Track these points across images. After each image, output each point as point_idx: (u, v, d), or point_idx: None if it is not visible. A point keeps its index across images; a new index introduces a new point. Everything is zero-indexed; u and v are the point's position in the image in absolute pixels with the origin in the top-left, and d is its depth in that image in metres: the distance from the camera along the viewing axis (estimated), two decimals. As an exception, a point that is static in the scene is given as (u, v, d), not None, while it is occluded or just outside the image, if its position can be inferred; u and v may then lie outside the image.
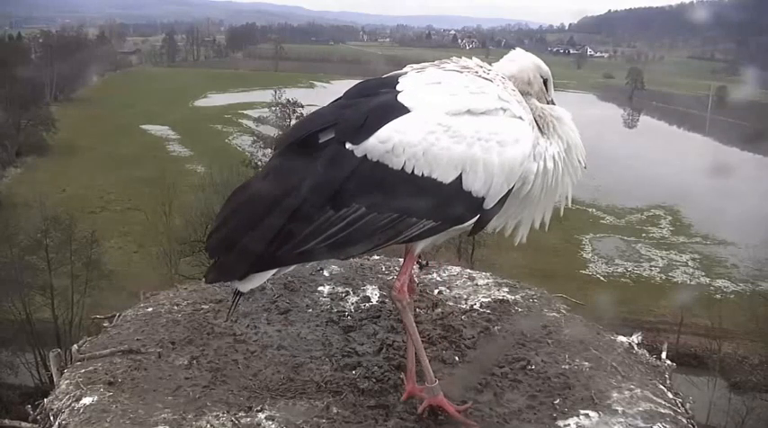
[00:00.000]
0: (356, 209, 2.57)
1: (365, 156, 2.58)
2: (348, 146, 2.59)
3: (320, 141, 2.63)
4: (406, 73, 2.87)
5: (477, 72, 2.88)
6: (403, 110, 2.64)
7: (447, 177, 2.59)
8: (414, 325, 2.96)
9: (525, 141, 2.70)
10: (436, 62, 3.00)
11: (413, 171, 2.57)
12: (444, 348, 3.60)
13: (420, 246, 2.85)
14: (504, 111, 2.72)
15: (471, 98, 2.71)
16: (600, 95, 78.36)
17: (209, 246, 2.79)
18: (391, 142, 2.58)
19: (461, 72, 2.87)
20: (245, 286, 2.76)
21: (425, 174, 2.58)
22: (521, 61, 3.04)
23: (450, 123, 2.62)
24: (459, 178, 2.60)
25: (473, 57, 3.04)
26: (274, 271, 2.74)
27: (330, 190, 2.57)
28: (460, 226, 2.74)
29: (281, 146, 2.87)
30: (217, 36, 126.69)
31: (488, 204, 2.68)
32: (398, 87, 2.73)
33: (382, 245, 2.70)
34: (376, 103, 2.69)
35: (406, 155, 2.57)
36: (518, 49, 3.13)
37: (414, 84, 2.75)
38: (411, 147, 2.57)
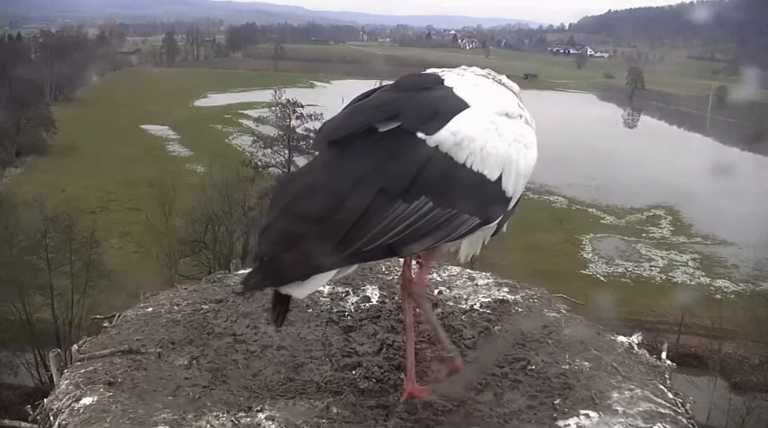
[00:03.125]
0: (425, 203, 2.47)
1: (437, 146, 2.52)
2: (420, 135, 2.51)
3: (380, 130, 2.52)
4: (440, 73, 2.87)
5: (500, 81, 2.95)
6: (464, 104, 2.63)
7: (493, 175, 2.61)
8: (432, 311, 3.01)
9: (536, 147, 2.79)
10: (457, 69, 2.99)
11: (471, 166, 2.56)
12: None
13: (461, 247, 2.83)
14: (521, 117, 2.79)
15: (505, 102, 2.78)
16: (600, 95, 78.43)
17: (262, 245, 2.47)
18: (460, 135, 2.55)
19: (487, 77, 2.92)
20: (302, 291, 2.47)
21: (479, 170, 2.58)
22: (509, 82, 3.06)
23: (498, 123, 2.66)
24: (500, 177, 2.63)
25: (485, 68, 3.04)
26: (334, 272, 2.50)
27: (405, 181, 2.45)
28: (490, 225, 2.74)
29: (332, 136, 2.59)
30: (217, 36, 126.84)
31: (510, 204, 2.74)
32: (447, 84, 2.73)
33: (437, 243, 2.63)
34: (440, 95, 2.66)
35: (469, 149, 2.56)
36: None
37: (459, 83, 2.75)
38: (473, 142, 2.56)
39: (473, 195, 2.58)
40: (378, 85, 2.97)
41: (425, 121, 2.52)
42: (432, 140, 2.50)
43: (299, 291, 2.46)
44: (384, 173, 2.43)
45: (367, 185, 2.41)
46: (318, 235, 2.36)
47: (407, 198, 2.44)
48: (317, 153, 2.71)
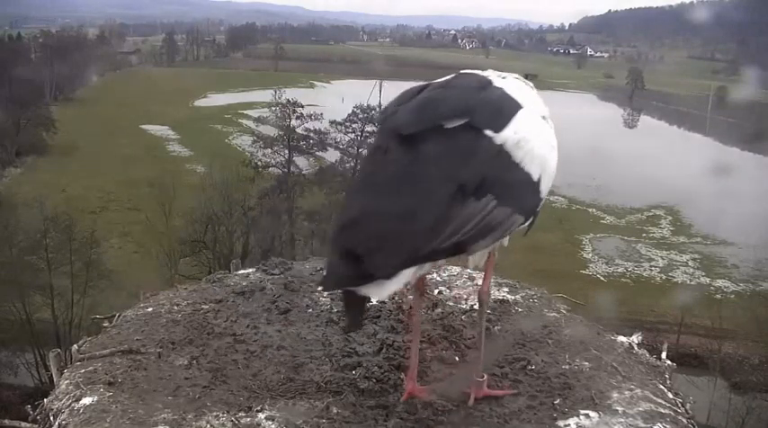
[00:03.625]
0: (490, 200, 2.49)
1: (503, 144, 2.56)
2: (488, 133, 2.54)
3: (446, 127, 2.51)
4: (483, 74, 2.90)
5: (531, 85, 2.99)
6: (519, 106, 2.68)
7: (536, 175, 2.66)
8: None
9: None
10: (489, 71, 3.01)
11: (524, 165, 2.60)
12: (444, 348, 3.60)
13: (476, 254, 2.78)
14: (548, 119, 2.86)
15: (542, 105, 2.84)
16: (600, 95, 78.45)
17: (346, 243, 2.36)
18: (519, 135, 2.59)
19: (520, 80, 2.96)
20: (382, 291, 2.39)
21: (528, 171, 2.62)
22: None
23: (541, 125, 2.73)
24: (540, 178, 2.68)
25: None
26: (413, 271, 2.46)
27: (478, 178, 2.47)
28: (524, 226, 2.78)
29: (404, 129, 2.51)
30: (217, 36, 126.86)
31: (540, 205, 2.78)
32: (496, 85, 2.76)
33: (493, 242, 2.65)
34: (499, 95, 2.69)
35: (524, 149, 2.60)
36: None
37: (507, 85, 2.78)
38: (527, 143, 2.61)
39: (523, 195, 2.63)
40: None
41: (492, 120, 2.56)
42: (498, 139, 2.55)
43: (379, 291, 2.39)
44: (461, 170, 2.46)
45: (447, 183, 2.42)
46: (405, 232, 2.34)
47: (478, 195, 2.46)
48: (382, 145, 2.60)
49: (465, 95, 2.64)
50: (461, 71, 2.95)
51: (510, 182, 2.56)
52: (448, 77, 2.87)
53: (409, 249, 2.34)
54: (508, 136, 2.56)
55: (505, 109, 2.62)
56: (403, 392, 3.12)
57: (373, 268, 2.30)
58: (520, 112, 2.64)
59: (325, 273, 2.52)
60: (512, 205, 2.56)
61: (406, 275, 2.41)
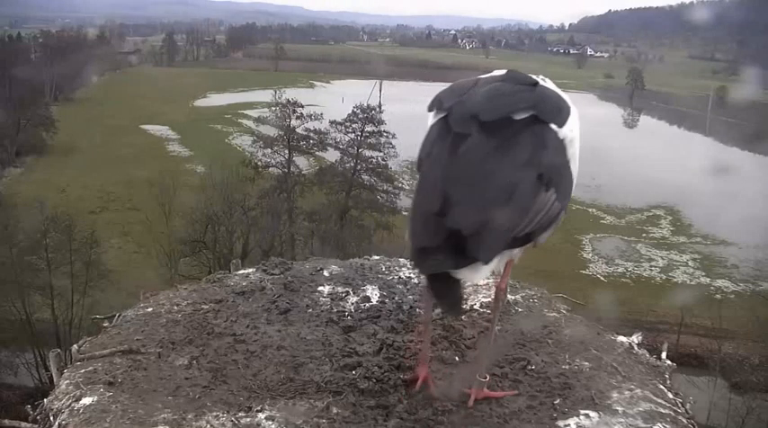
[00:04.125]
0: (553, 193, 2.56)
1: (563, 140, 2.63)
2: (553, 127, 2.61)
3: (515, 118, 2.55)
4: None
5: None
6: (570, 106, 2.76)
7: (575, 176, 2.74)
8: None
9: None
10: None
11: (571, 164, 2.69)
12: (444, 348, 3.59)
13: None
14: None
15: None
16: (600, 95, 78.48)
17: (451, 226, 2.32)
18: (573, 133, 2.68)
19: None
20: (478, 274, 2.46)
21: (572, 169, 2.70)
22: None
23: (578, 124, 2.78)
24: (575, 179, 2.76)
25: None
26: (505, 254, 2.55)
27: (549, 168, 2.54)
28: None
29: (484, 116, 2.52)
30: (217, 36, 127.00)
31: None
32: (542, 84, 2.81)
33: (548, 236, 2.69)
34: (553, 93, 2.77)
35: (574, 148, 2.69)
36: None
37: (548, 85, 2.85)
38: (575, 143, 2.70)
39: (567, 193, 2.68)
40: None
41: (555, 115, 2.63)
42: (560, 134, 2.62)
43: (474, 275, 2.44)
44: (538, 159, 2.51)
45: (530, 170, 2.49)
46: (505, 216, 2.39)
47: (548, 187, 2.53)
48: (459, 131, 2.55)
49: (526, 90, 2.70)
50: (509, 70, 2.97)
51: (563, 178, 2.63)
52: (495, 73, 2.92)
53: (507, 233, 2.41)
54: (566, 133, 2.65)
55: (563, 107, 2.71)
56: (403, 392, 3.13)
57: (476, 251, 2.33)
58: (573, 112, 2.73)
59: (417, 256, 2.45)
60: (562, 201, 2.62)
61: (496, 260, 2.50)
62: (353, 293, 4.27)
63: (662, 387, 3.31)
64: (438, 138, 2.60)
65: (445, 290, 2.49)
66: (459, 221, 2.32)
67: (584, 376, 3.30)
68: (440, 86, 2.94)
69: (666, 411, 3.06)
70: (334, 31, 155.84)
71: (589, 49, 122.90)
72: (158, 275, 22.08)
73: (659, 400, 3.14)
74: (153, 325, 3.82)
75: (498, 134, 2.50)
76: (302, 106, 32.04)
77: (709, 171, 34.25)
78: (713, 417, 17.80)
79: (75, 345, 3.63)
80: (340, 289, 4.32)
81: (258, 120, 42.43)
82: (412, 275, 4.57)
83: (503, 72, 2.92)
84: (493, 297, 3.39)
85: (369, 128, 30.57)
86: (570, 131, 2.65)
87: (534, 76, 2.91)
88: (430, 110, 2.78)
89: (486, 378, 3.04)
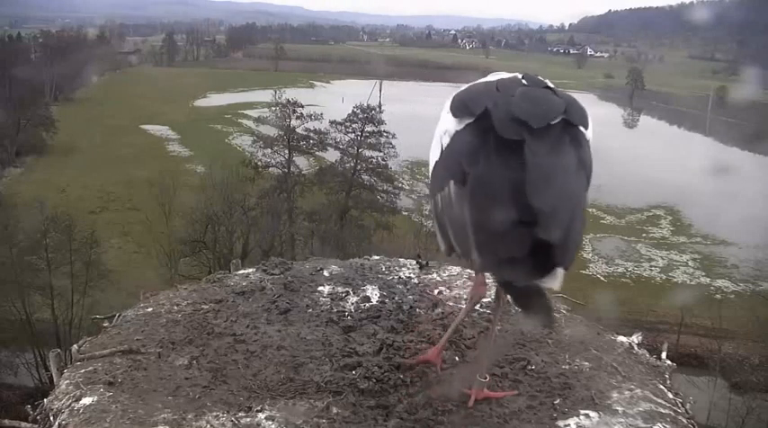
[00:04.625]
0: (586, 195, 2.64)
1: (589, 142, 2.70)
2: (582, 130, 2.68)
3: (551, 123, 2.55)
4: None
5: None
6: (586, 109, 2.81)
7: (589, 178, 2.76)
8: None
9: None
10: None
11: (592, 166, 2.71)
12: (444, 348, 3.59)
13: None
14: None
15: None
16: (600, 95, 78.42)
17: (541, 235, 2.29)
18: (591, 135, 2.74)
19: None
20: (558, 280, 2.40)
21: (590, 172, 2.70)
22: None
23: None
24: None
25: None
26: None
27: (591, 171, 2.65)
28: None
29: (534, 123, 2.48)
30: (217, 36, 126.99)
31: None
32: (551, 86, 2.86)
33: None
34: (571, 97, 2.79)
35: (591, 150, 2.72)
36: None
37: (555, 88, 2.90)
38: (591, 145, 2.74)
39: (586, 195, 2.69)
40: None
41: (581, 118, 2.68)
42: (588, 135, 2.70)
43: (556, 281, 2.40)
44: (583, 164, 2.60)
45: (583, 176, 2.58)
46: (581, 222, 2.46)
47: (588, 188, 2.64)
48: (511, 136, 2.50)
49: (553, 94, 2.73)
50: (525, 74, 2.93)
51: (588, 180, 2.67)
52: (503, 74, 2.92)
53: (581, 237, 2.49)
54: (590, 136, 2.71)
55: (585, 110, 2.76)
56: (403, 392, 3.13)
57: (562, 258, 2.33)
58: (590, 116, 2.78)
59: (503, 267, 2.38)
60: (585, 204, 2.64)
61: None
62: (353, 293, 4.27)
63: (662, 387, 3.31)
64: (486, 145, 2.51)
65: (535, 301, 2.47)
66: (551, 231, 2.29)
67: (584, 376, 3.31)
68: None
69: (666, 411, 3.06)
70: (334, 31, 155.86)
71: (589, 49, 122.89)
72: (158, 275, 22.07)
73: (659, 400, 3.14)
74: (153, 325, 3.82)
75: (548, 140, 2.49)
76: (302, 106, 32.03)
77: (709, 171, 34.25)
78: (713, 417, 17.79)
79: (75, 345, 3.63)
80: (340, 289, 4.32)
81: (258, 120, 42.42)
82: (412, 275, 4.57)
83: (510, 74, 2.91)
84: (494, 296, 3.39)
85: (369, 128, 30.55)
86: (592, 134, 2.73)
87: (541, 79, 2.92)
88: (455, 115, 2.69)
89: (486, 378, 3.04)
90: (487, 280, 3.13)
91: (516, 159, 2.40)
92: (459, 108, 2.69)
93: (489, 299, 4.19)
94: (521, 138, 2.43)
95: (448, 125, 2.71)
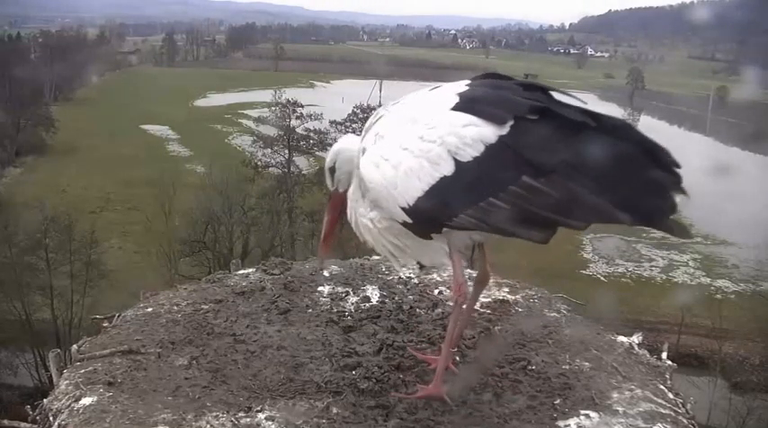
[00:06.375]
0: None
1: None
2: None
3: (577, 120, 2.74)
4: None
5: None
6: None
7: None
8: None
9: None
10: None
11: None
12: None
13: None
14: None
15: None
16: (600, 95, 78.26)
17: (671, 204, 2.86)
18: None
19: None
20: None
21: None
22: None
23: None
24: None
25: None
26: None
27: None
28: None
29: (573, 123, 2.74)
30: (217, 36, 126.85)
31: None
32: None
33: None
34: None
35: None
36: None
37: None
38: None
39: None
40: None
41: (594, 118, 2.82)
42: None
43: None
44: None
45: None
46: None
47: None
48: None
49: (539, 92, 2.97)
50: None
51: None
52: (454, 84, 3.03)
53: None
54: None
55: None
56: (403, 392, 3.13)
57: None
58: None
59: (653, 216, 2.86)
60: None
61: None
62: (353, 293, 4.27)
63: (662, 387, 3.31)
64: (558, 134, 2.71)
65: (675, 226, 2.87)
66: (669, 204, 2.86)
67: (584, 376, 3.31)
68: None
69: (667, 411, 3.06)
70: (334, 31, 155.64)
71: (589, 49, 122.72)
72: (158, 275, 22.04)
73: (659, 400, 3.14)
74: (153, 325, 3.83)
75: (592, 135, 2.76)
76: (302, 106, 32.03)
77: (709, 171, 34.13)
78: (713, 417, 17.77)
79: (74, 345, 3.63)
80: (340, 288, 4.33)
81: (258, 120, 42.40)
82: (412, 275, 4.57)
83: (455, 83, 3.03)
84: (476, 281, 3.39)
85: (369, 128, 30.53)
86: None
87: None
88: (500, 122, 2.72)
89: (455, 349, 3.16)
90: (469, 280, 3.20)
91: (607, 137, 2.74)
92: (491, 115, 2.73)
93: (490, 300, 4.21)
94: (593, 123, 2.73)
95: (470, 133, 2.73)
